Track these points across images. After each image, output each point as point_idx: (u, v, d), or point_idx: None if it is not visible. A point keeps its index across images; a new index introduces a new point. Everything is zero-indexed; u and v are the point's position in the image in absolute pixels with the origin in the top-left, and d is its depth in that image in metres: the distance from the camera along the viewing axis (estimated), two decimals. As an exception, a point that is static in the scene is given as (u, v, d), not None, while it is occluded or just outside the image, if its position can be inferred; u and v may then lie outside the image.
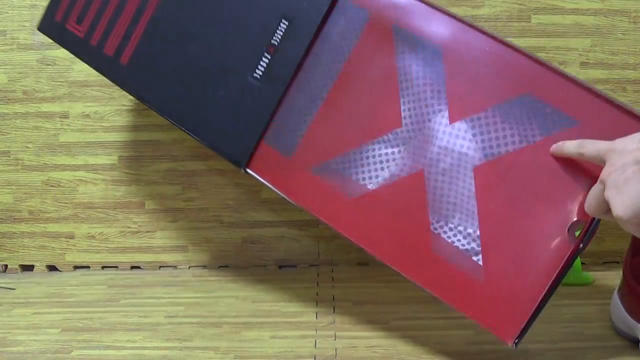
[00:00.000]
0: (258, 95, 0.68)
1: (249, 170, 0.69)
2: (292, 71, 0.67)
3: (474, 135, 0.61)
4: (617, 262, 0.95)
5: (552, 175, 0.59)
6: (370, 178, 0.64)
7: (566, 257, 0.58)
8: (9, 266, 1.04)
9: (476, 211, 0.61)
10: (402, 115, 0.64)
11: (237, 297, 0.89)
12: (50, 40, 0.79)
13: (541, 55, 0.84)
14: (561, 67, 0.63)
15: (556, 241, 0.59)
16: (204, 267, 1.04)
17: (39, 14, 0.81)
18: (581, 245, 0.58)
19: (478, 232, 0.61)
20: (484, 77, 0.62)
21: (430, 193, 0.62)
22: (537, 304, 0.59)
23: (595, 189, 0.55)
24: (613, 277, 0.85)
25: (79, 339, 0.76)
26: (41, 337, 0.77)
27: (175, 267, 1.03)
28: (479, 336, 0.74)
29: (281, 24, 0.68)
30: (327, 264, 1.04)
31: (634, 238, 0.70)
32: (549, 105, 0.60)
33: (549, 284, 0.59)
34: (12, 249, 1.04)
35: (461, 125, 0.62)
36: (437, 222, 0.62)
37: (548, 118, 0.60)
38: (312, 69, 0.67)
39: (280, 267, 1.04)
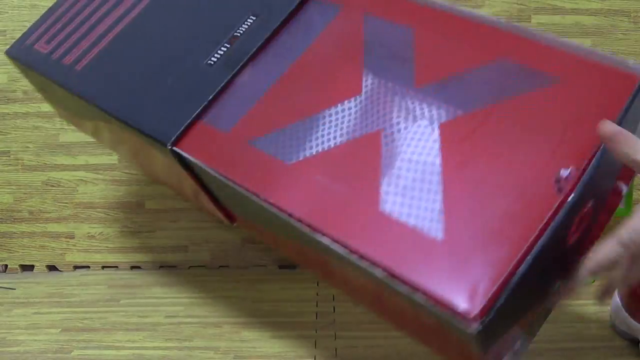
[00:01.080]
0: (204, 78, 0.67)
1: (175, 149, 0.64)
2: (245, 57, 0.66)
3: (443, 95, 0.59)
4: (617, 262, 0.95)
5: (528, 128, 0.55)
6: (317, 144, 0.59)
7: (551, 210, 0.49)
8: (9, 266, 1.04)
9: (439, 165, 0.55)
10: (364, 84, 0.62)
11: (237, 297, 0.89)
12: None
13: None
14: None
15: (536, 193, 0.51)
16: (204, 267, 1.03)
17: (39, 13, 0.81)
18: (571, 197, 0.50)
19: (441, 187, 0.53)
20: (455, 48, 0.61)
21: (385, 151, 0.57)
22: (509, 268, 0.46)
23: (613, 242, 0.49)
24: (613, 277, 0.85)
25: (79, 339, 0.76)
26: (41, 337, 0.77)
27: (175, 267, 1.03)
28: (479, 336, 0.74)
29: (248, 19, 0.69)
30: (327, 264, 1.04)
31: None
32: (526, 66, 0.58)
33: (531, 238, 0.47)
34: (12, 249, 1.04)
35: (429, 88, 0.59)
36: (389, 178, 0.55)
37: (525, 77, 0.58)
38: (271, 56, 0.67)
39: (280, 267, 1.04)
